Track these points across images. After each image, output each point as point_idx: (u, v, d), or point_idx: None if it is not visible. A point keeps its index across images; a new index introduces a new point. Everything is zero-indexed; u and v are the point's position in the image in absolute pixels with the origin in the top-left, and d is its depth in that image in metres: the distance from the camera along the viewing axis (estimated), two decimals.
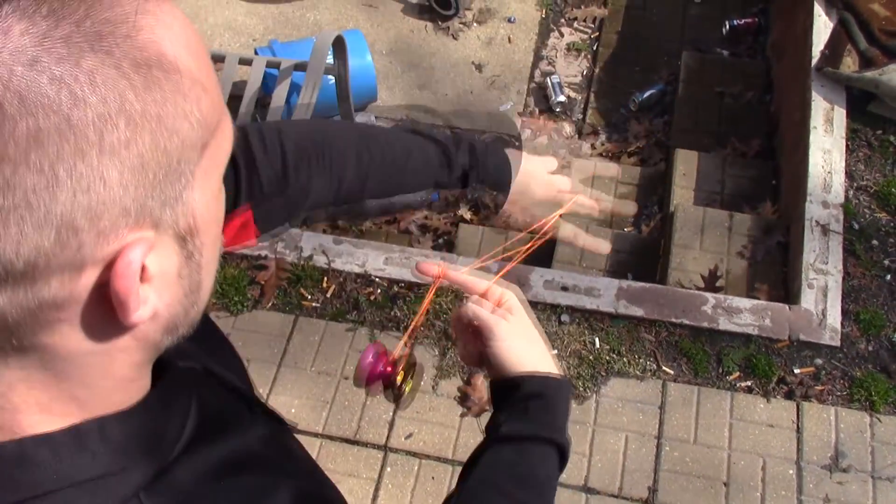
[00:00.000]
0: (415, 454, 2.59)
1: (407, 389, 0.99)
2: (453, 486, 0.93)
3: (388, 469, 2.56)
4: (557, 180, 1.16)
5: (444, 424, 2.63)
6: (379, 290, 2.87)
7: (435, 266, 1.05)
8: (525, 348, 0.96)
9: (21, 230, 0.43)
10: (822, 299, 2.75)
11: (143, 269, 0.49)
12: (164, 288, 0.52)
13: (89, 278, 0.47)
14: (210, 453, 0.62)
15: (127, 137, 0.45)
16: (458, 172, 1.10)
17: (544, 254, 3.33)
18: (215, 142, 0.52)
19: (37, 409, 0.51)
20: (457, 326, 1.03)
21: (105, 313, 0.49)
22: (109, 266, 0.47)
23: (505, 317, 0.98)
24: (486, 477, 0.92)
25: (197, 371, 0.69)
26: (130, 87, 0.45)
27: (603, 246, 1.20)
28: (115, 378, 0.54)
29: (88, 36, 0.44)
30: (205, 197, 0.53)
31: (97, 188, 0.44)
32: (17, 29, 0.42)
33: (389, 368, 0.98)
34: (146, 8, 0.47)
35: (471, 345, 1.01)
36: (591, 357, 2.71)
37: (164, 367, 0.62)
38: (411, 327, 1.13)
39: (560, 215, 1.12)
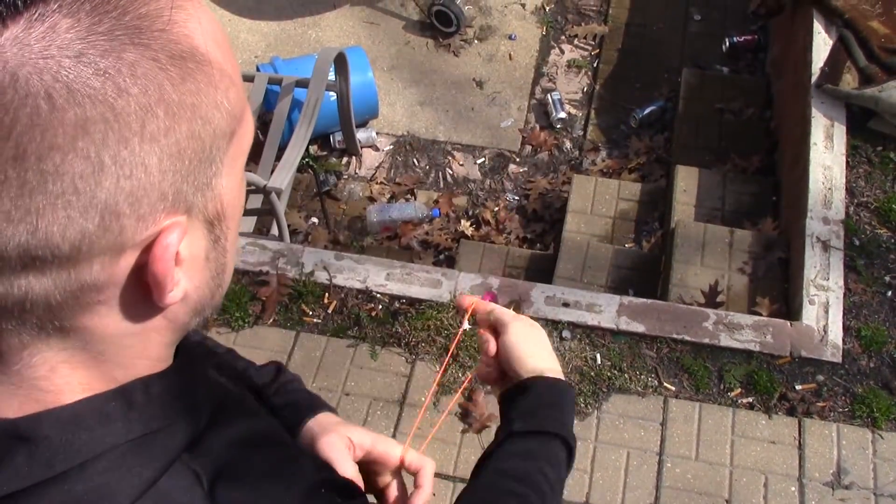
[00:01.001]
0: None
1: None
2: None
3: None
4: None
5: (446, 441, 2.63)
6: (380, 306, 2.87)
7: (467, 298, 1.08)
8: (535, 346, 1.01)
9: (68, 215, 0.45)
10: (823, 315, 2.75)
11: (177, 252, 0.51)
12: (193, 271, 0.54)
13: (128, 261, 0.50)
14: (232, 427, 0.64)
15: (166, 126, 0.47)
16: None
17: (545, 269, 3.33)
18: (241, 130, 0.55)
19: (80, 389, 0.53)
20: (481, 345, 1.05)
21: (141, 295, 0.52)
22: (147, 249, 0.50)
23: (520, 318, 1.03)
24: (499, 467, 0.93)
25: (205, 347, 0.73)
26: (168, 78, 0.47)
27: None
28: (150, 358, 0.57)
29: (128, 30, 0.47)
30: (231, 183, 0.55)
31: (139, 174, 0.47)
32: (63, 24, 0.45)
33: None
34: (179, 4, 0.50)
35: (490, 363, 1.03)
36: (592, 373, 2.71)
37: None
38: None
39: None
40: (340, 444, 0.90)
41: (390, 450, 0.94)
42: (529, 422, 0.95)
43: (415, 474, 0.95)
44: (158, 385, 0.57)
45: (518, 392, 0.98)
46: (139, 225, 0.48)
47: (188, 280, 0.54)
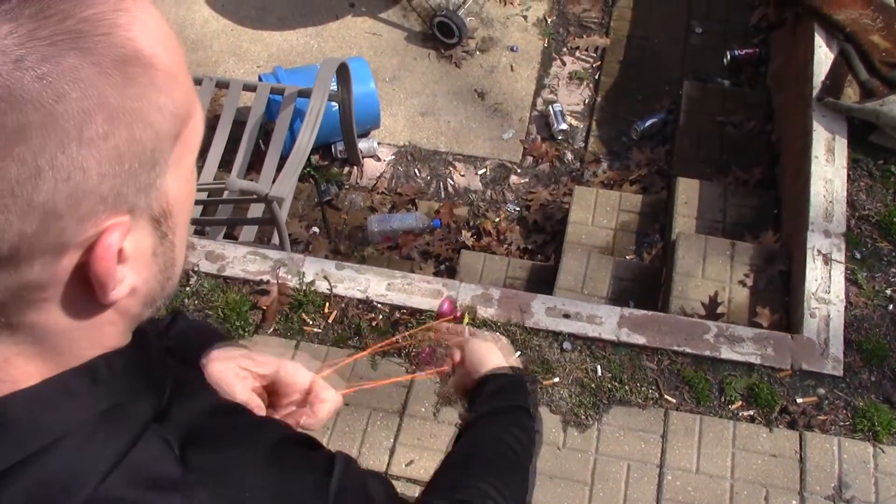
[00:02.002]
0: (415, 481, 2.57)
1: None
2: None
3: None
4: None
5: (441, 451, 2.61)
6: (381, 316, 2.86)
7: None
8: (489, 353, 1.21)
9: (6, 218, 0.46)
10: (824, 329, 2.75)
11: (121, 250, 0.52)
12: (140, 266, 0.56)
13: (70, 260, 0.50)
14: (195, 399, 0.66)
15: (105, 131, 0.48)
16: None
17: (546, 280, 3.33)
18: (188, 130, 0.55)
19: (38, 376, 0.54)
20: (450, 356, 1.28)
21: (86, 292, 0.53)
22: (89, 249, 0.51)
23: (476, 335, 1.30)
24: (475, 436, 1.08)
25: (157, 327, 0.76)
26: (109, 83, 0.48)
27: (303, 420, 1.01)
28: (104, 347, 0.58)
29: (70, 35, 0.47)
30: (177, 181, 0.56)
31: (77, 178, 0.47)
32: (3, 30, 0.45)
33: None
34: (123, 6, 0.50)
35: (463, 377, 1.22)
36: (592, 385, 2.70)
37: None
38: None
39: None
40: (230, 370, 0.92)
41: (298, 376, 0.96)
42: (494, 403, 1.11)
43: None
44: (121, 360, 0.59)
45: (479, 387, 1.15)
46: (80, 226, 0.49)
47: (135, 275, 0.55)
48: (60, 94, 0.46)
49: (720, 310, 2.94)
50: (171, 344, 0.95)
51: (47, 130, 0.45)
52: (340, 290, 2.90)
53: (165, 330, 0.97)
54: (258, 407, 0.91)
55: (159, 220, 0.55)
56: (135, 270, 0.55)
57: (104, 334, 0.58)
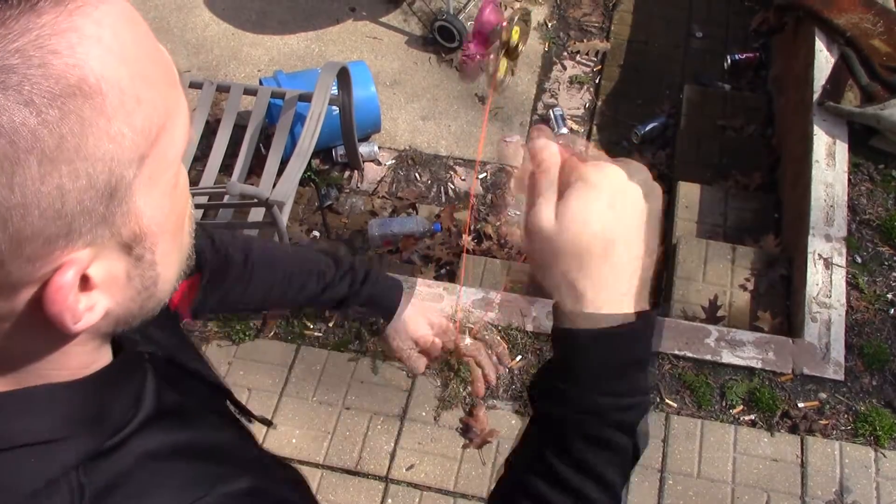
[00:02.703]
0: (416, 486, 2.56)
1: (517, 42, 1.00)
2: None
3: (389, 501, 2.54)
4: (434, 329, 1.32)
5: (446, 456, 2.61)
6: (381, 321, 2.85)
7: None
8: (613, 222, 0.67)
9: None
10: (825, 333, 2.74)
11: (87, 278, 0.50)
12: (114, 290, 0.53)
13: (27, 295, 0.48)
14: (163, 438, 0.62)
15: (41, 173, 0.44)
16: (334, 297, 1.23)
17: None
18: (159, 147, 0.51)
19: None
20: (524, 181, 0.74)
21: (49, 321, 0.50)
22: (45, 285, 0.48)
23: (608, 171, 0.70)
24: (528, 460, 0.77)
25: (157, 357, 0.70)
26: (43, 123, 0.43)
27: (499, 371, 1.32)
28: (72, 367, 0.57)
29: None
30: (152, 200, 0.52)
31: (15, 224, 0.44)
32: None
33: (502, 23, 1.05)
34: (64, 25, 0.44)
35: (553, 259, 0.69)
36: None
37: (120, 348, 0.64)
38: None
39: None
40: (418, 315, 1.31)
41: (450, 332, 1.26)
42: (591, 402, 0.70)
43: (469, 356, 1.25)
44: (65, 394, 0.56)
45: (565, 342, 0.70)
46: (28, 266, 0.47)
47: (109, 298, 0.53)
48: None
49: (721, 314, 2.93)
50: (362, 300, 1.20)
51: None
52: None
53: (360, 286, 1.20)
54: (435, 341, 1.29)
55: (131, 245, 0.52)
56: (108, 294, 0.52)
57: (71, 355, 0.56)
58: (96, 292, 0.51)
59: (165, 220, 0.55)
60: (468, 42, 1.05)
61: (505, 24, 0.97)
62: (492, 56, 0.94)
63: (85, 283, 0.50)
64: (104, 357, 0.61)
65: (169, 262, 0.57)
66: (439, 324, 1.32)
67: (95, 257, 0.50)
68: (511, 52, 0.97)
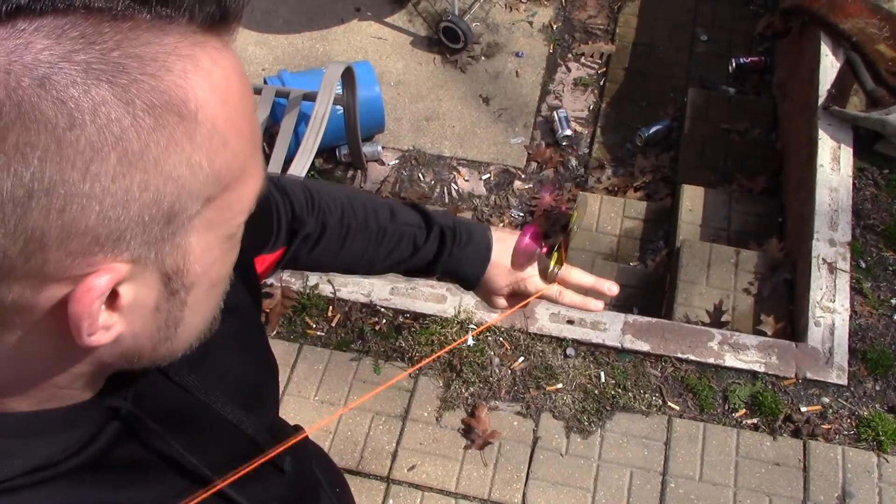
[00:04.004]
0: (417, 486, 2.56)
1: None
2: None
3: (391, 501, 2.54)
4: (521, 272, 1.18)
5: (448, 457, 2.61)
6: (384, 321, 2.86)
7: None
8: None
9: None
10: (829, 337, 2.74)
11: (117, 295, 0.49)
12: (135, 317, 0.52)
13: (53, 292, 0.48)
14: (79, 494, 0.59)
15: (116, 172, 0.45)
16: (421, 263, 1.15)
17: None
18: (227, 197, 0.52)
19: None
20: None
21: (63, 327, 0.49)
22: (79, 282, 0.48)
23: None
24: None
25: (136, 417, 0.65)
26: (135, 126, 0.45)
27: (592, 304, 1.20)
28: (46, 382, 0.55)
29: (109, 66, 0.44)
30: (204, 244, 0.53)
31: (72, 212, 0.45)
32: (38, 45, 0.43)
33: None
34: (185, 51, 0.47)
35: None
36: (596, 391, 2.69)
37: (91, 402, 0.60)
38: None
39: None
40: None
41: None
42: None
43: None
44: (14, 426, 0.55)
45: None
46: (66, 261, 0.46)
47: (126, 324, 0.52)
48: (74, 124, 0.43)
49: (724, 317, 2.93)
50: (450, 267, 1.12)
51: (49, 156, 0.43)
52: (344, 293, 2.90)
53: (441, 246, 1.11)
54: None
55: (170, 277, 0.52)
56: (127, 320, 0.52)
57: (64, 375, 0.55)
58: (118, 315, 0.51)
59: (210, 267, 0.55)
60: (525, 234, 1.08)
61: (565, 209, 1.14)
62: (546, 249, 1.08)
63: (112, 300, 0.50)
64: (82, 391, 0.59)
65: (197, 310, 0.57)
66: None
67: (132, 276, 0.50)
68: (567, 242, 1.10)
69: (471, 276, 1.13)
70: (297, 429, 1.06)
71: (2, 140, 0.42)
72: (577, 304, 1.18)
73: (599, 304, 1.19)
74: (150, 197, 0.47)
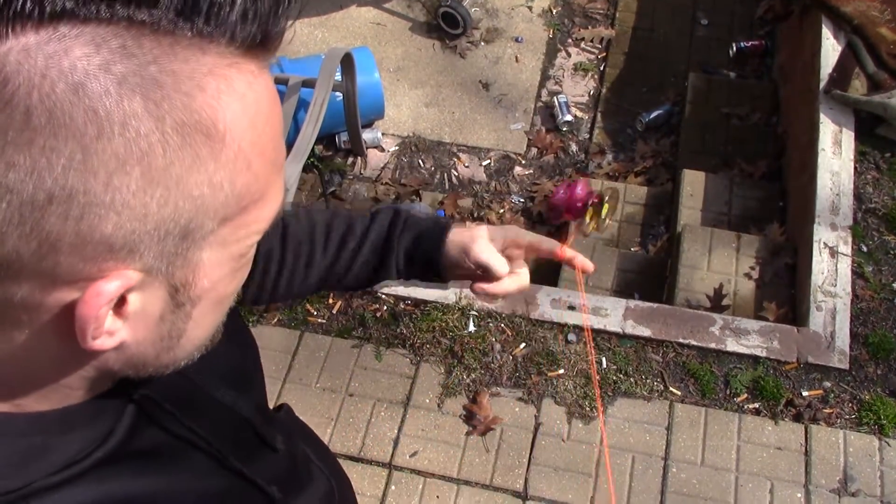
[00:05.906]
0: (419, 472, 2.56)
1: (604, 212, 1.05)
2: None
3: (393, 487, 2.54)
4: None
5: (449, 443, 2.61)
6: (385, 308, 2.85)
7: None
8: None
9: (8, 231, 0.44)
10: (830, 322, 2.74)
11: (124, 301, 0.50)
12: (139, 325, 0.52)
13: (62, 294, 0.48)
14: (99, 488, 0.59)
15: (137, 186, 0.45)
16: (378, 240, 1.11)
17: (551, 273, 3.32)
18: (244, 217, 0.52)
19: None
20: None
21: (69, 329, 0.49)
22: (88, 285, 0.48)
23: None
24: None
25: (151, 401, 0.66)
26: (163, 142, 0.45)
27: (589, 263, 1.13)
28: (58, 383, 0.55)
29: (146, 81, 0.44)
30: (215, 260, 0.53)
31: (90, 220, 0.45)
32: (77, 52, 0.43)
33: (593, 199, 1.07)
34: (222, 71, 0.47)
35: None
36: (597, 377, 2.69)
37: (108, 392, 0.61)
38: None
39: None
40: (488, 246, 1.03)
41: (543, 242, 1.06)
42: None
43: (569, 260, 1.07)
44: (12, 427, 0.54)
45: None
46: (80, 265, 0.46)
47: (131, 332, 0.52)
48: (102, 134, 0.43)
49: (726, 302, 2.93)
50: (406, 243, 1.07)
51: (74, 163, 0.43)
52: None
53: (391, 226, 1.08)
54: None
55: (178, 289, 0.52)
56: (131, 327, 0.52)
57: (72, 377, 0.55)
58: (123, 322, 0.51)
59: (218, 283, 0.55)
60: (577, 184, 1.05)
61: (596, 200, 1.09)
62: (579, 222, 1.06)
63: (119, 306, 0.50)
64: (87, 392, 0.59)
65: (200, 323, 0.57)
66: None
67: (142, 286, 0.50)
68: (599, 221, 1.08)
69: (436, 237, 1.06)
70: (282, 408, 1.08)
71: (29, 143, 0.42)
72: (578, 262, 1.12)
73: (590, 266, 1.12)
74: (169, 213, 0.47)
